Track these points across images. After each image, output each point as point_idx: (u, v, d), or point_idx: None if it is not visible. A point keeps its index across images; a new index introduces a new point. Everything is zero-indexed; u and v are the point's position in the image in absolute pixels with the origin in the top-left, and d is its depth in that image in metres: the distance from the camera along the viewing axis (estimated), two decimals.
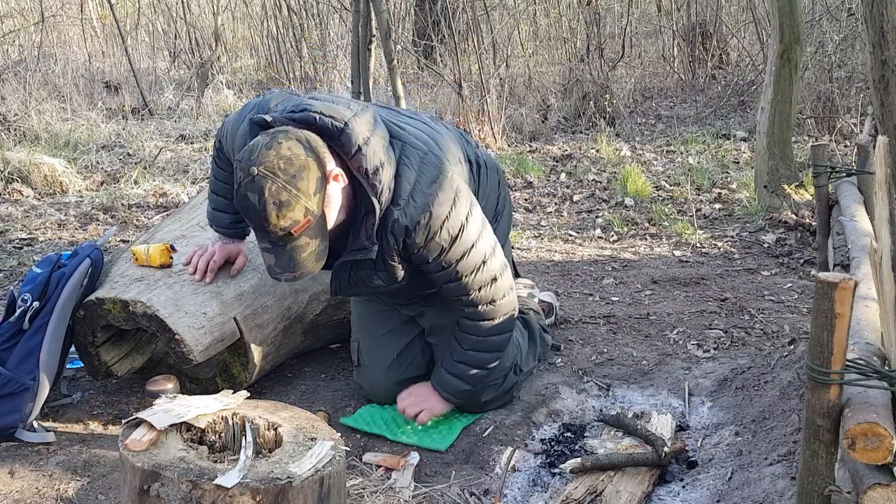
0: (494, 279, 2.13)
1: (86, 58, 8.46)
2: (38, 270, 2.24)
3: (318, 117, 1.92)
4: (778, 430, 2.12)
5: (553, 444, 2.24)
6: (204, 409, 1.63)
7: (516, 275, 2.76)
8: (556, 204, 4.80)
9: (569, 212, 4.65)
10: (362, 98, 5.56)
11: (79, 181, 5.08)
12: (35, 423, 2.17)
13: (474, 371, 2.22)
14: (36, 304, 2.16)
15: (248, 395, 1.74)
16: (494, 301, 2.15)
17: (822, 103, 5.99)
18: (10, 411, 2.12)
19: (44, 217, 4.43)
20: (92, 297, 2.23)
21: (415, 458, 2.10)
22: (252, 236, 2.48)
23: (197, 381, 2.37)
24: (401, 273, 2.08)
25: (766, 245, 3.90)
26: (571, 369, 2.63)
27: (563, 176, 5.34)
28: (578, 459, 2.03)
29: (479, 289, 2.12)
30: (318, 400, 2.44)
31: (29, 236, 4.14)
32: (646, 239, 4.11)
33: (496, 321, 2.18)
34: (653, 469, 2.04)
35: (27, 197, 4.83)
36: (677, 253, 3.87)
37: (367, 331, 2.41)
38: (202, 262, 2.31)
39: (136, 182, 5.13)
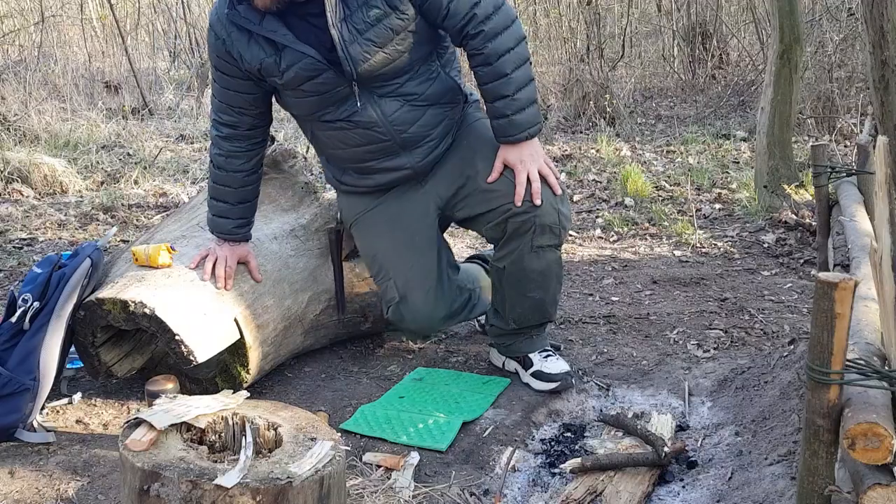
0: None
1: (86, 58, 8.46)
2: (39, 270, 2.24)
3: None
4: (778, 430, 2.12)
5: (553, 444, 2.24)
6: (204, 409, 1.63)
7: None
8: None
9: None
10: None
11: (79, 181, 5.09)
12: (35, 423, 2.17)
13: (529, 94, 2.24)
14: (36, 304, 2.16)
15: (248, 395, 1.74)
16: (499, 6, 2.20)
17: (822, 103, 5.99)
18: (10, 411, 2.12)
19: (44, 217, 4.43)
20: (92, 297, 2.23)
21: (415, 458, 2.10)
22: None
23: (197, 381, 2.37)
24: None
25: (766, 245, 3.90)
26: (571, 369, 2.63)
27: (563, 176, 5.34)
28: (578, 459, 2.03)
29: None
30: (318, 400, 2.44)
31: (29, 236, 4.14)
32: (646, 239, 4.11)
33: (512, 28, 2.20)
34: (653, 469, 2.04)
35: (27, 197, 4.83)
36: (677, 253, 3.87)
37: (400, 261, 2.41)
38: (220, 270, 2.33)
39: (136, 182, 5.13)
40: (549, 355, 2.50)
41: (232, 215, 2.40)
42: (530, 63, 2.26)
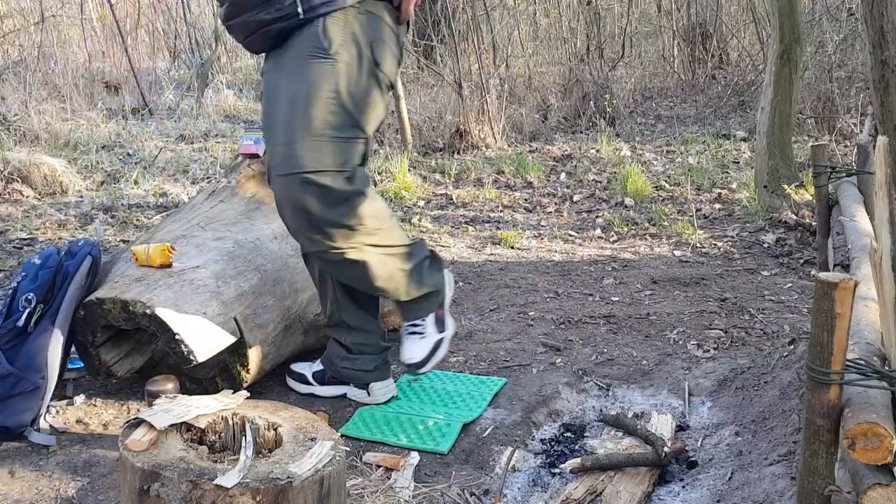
0: None
1: (86, 58, 8.46)
2: (38, 261, 2.24)
3: None
4: (778, 430, 2.12)
5: (553, 444, 2.24)
6: (204, 409, 1.63)
7: None
8: (556, 204, 4.80)
9: (569, 212, 4.65)
10: None
11: (79, 181, 5.08)
12: (47, 424, 2.19)
13: None
14: (41, 305, 2.17)
15: (248, 395, 1.74)
16: None
17: (822, 103, 5.99)
18: (23, 409, 2.13)
19: (44, 217, 4.42)
20: (92, 296, 2.22)
21: (415, 458, 2.10)
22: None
23: (197, 381, 2.37)
24: None
25: (766, 245, 3.90)
26: (571, 369, 2.63)
27: (563, 176, 5.34)
28: (578, 459, 2.03)
29: None
30: (318, 400, 2.44)
31: (29, 236, 4.14)
32: (646, 239, 4.11)
33: None
34: (653, 469, 2.04)
35: (27, 197, 4.83)
36: (677, 253, 3.87)
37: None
38: None
39: (136, 182, 5.12)
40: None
41: None
42: None
